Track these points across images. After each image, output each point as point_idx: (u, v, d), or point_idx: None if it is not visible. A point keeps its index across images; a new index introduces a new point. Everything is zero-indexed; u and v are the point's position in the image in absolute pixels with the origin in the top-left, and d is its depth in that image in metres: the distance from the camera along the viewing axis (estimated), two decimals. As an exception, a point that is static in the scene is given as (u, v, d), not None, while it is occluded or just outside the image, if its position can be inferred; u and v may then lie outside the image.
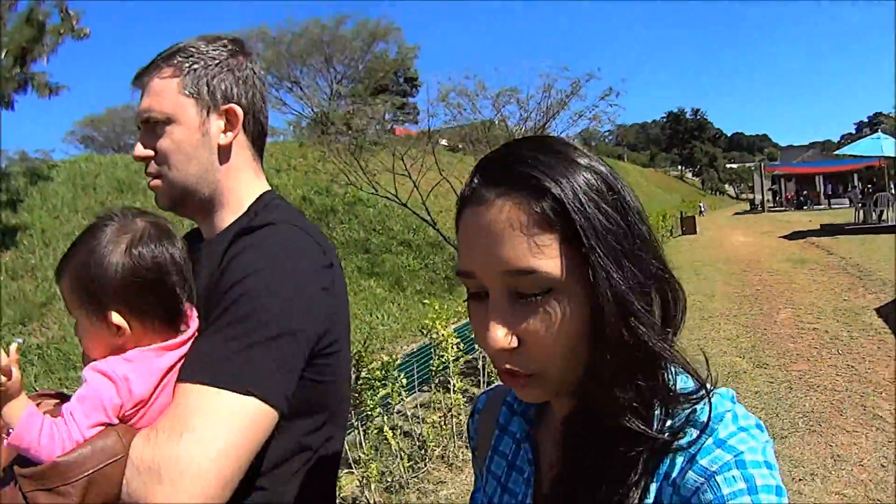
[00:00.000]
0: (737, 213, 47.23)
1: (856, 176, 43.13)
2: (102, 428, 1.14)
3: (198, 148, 1.48)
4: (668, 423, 0.83)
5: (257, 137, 1.59)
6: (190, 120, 1.47)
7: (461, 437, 5.78)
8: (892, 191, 29.63)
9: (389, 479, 4.92)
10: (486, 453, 1.10)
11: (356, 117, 15.34)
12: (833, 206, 42.77)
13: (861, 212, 25.07)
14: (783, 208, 48.82)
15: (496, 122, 15.10)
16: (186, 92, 1.46)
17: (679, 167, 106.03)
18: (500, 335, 0.80)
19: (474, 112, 14.58)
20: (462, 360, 6.47)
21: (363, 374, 4.65)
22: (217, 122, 1.49)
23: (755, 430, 0.81)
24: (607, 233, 0.79)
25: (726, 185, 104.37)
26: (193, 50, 1.49)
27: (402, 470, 5.02)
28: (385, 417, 4.99)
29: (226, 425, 1.13)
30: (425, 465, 5.30)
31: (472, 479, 3.33)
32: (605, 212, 0.80)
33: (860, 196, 26.69)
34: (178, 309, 1.29)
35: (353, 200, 16.19)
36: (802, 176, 53.36)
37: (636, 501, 0.81)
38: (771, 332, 9.23)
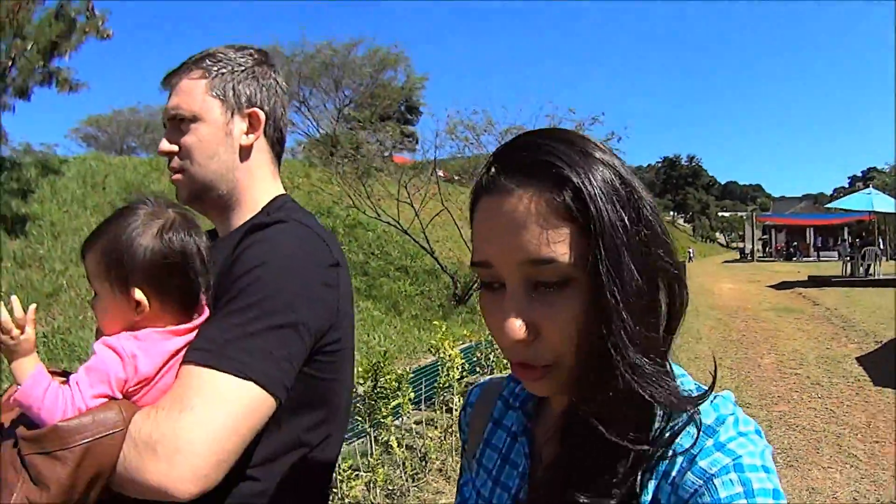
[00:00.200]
0: (726, 262, 47.75)
1: (846, 229, 43.74)
2: (105, 400, 1.20)
3: (220, 146, 1.57)
4: (669, 423, 0.84)
5: (276, 143, 1.69)
6: (215, 119, 1.56)
7: (457, 453, 6.14)
8: (880, 246, 30.27)
9: (391, 487, 5.26)
10: (476, 446, 1.11)
11: (365, 143, 15.78)
12: (822, 259, 43.42)
13: (849, 265, 25.46)
14: (772, 258, 49.23)
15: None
16: (213, 93, 1.56)
17: (671, 213, 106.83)
18: (518, 326, 0.82)
19: (478, 147, 15.07)
20: (465, 380, 6.85)
21: (380, 384, 5.04)
22: (240, 124, 1.59)
23: (754, 435, 0.83)
24: (618, 228, 0.80)
25: (717, 233, 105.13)
26: (222, 56, 1.59)
27: (403, 479, 5.39)
28: (392, 428, 5.37)
29: (224, 407, 1.18)
30: (425, 476, 5.66)
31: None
32: (619, 205, 0.81)
33: (849, 249, 27.13)
34: (195, 296, 1.36)
35: (353, 223, 16.55)
36: (793, 227, 54.09)
37: (632, 498, 0.83)
38: (754, 374, 9.62)
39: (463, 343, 7.02)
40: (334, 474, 4.42)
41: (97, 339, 1.30)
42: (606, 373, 0.81)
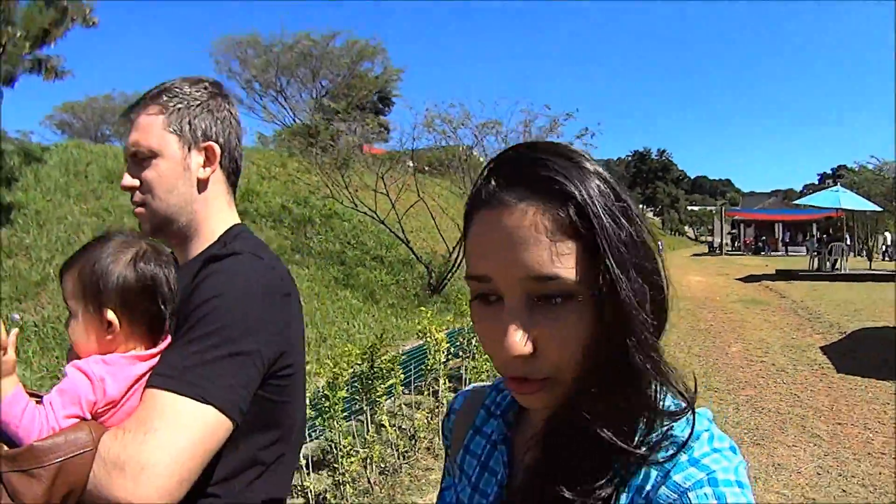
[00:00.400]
0: (695, 255, 48.45)
1: (815, 225, 44.45)
2: (76, 420, 1.29)
3: (179, 180, 1.64)
4: (648, 436, 0.85)
5: (231, 173, 1.75)
6: (173, 154, 1.63)
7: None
8: (847, 241, 31.06)
9: (383, 465, 5.61)
10: (457, 452, 1.13)
11: (345, 135, 16.04)
12: (790, 253, 44.17)
13: (816, 259, 26.23)
14: (741, 252, 49.87)
15: (474, 151, 15.92)
16: (170, 129, 1.63)
17: (641, 206, 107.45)
18: (518, 340, 0.82)
19: (454, 139, 15.43)
20: (450, 363, 7.23)
21: (376, 365, 5.40)
22: (197, 158, 1.66)
23: (728, 451, 0.84)
24: (619, 241, 0.82)
25: (686, 227, 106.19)
26: (177, 90, 1.66)
27: (395, 457, 5.75)
28: (385, 408, 5.73)
29: (185, 430, 1.28)
30: (414, 454, 6.04)
31: None
32: (617, 219, 0.83)
33: (816, 245, 27.82)
34: (162, 322, 1.46)
35: (329, 213, 16.78)
36: (762, 222, 54.68)
37: None
38: (721, 361, 10.12)
39: (446, 328, 7.36)
40: (336, 449, 4.81)
41: (69, 359, 1.40)
42: (617, 384, 0.84)
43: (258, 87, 28.17)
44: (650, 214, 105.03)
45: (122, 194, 1.52)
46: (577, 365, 0.84)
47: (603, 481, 0.83)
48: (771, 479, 5.61)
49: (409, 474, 5.72)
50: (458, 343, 7.58)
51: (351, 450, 4.98)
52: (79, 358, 1.38)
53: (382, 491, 5.33)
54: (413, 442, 6.17)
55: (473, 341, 7.60)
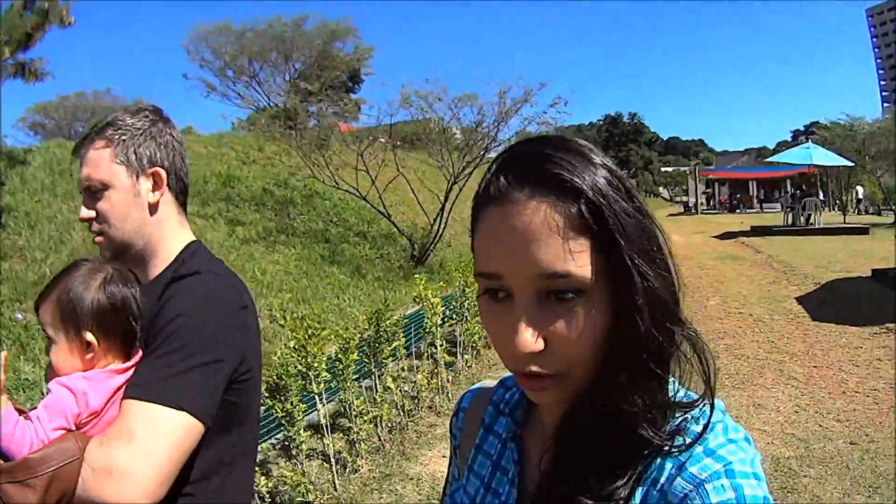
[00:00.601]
0: (671, 215, 48.89)
1: (788, 182, 44.92)
2: (63, 432, 1.41)
3: (131, 208, 1.75)
4: (664, 429, 0.84)
5: (180, 193, 1.88)
6: (123, 184, 1.74)
7: (443, 392, 7.02)
8: (821, 196, 31.75)
9: (391, 424, 6.05)
10: (468, 452, 1.12)
11: (324, 115, 16.32)
12: (765, 210, 44.54)
13: (790, 215, 26.73)
14: (716, 211, 50.23)
15: (450, 125, 16.31)
16: (118, 160, 1.74)
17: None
18: (530, 337, 0.82)
19: (430, 113, 15.80)
20: (446, 325, 7.68)
21: (382, 328, 5.82)
22: (146, 184, 1.77)
23: (743, 442, 0.84)
24: (632, 233, 0.82)
25: (661, 188, 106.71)
26: (121, 122, 1.77)
27: (401, 416, 6.19)
28: (389, 370, 6.17)
29: (163, 435, 1.41)
30: (418, 412, 6.50)
31: None
32: (628, 211, 0.83)
33: (790, 201, 28.32)
34: (134, 337, 1.59)
35: (310, 193, 17.05)
36: (736, 180, 54.80)
37: None
38: (700, 314, 10.57)
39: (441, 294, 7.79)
40: (350, 410, 5.23)
41: (47, 379, 1.53)
42: (635, 378, 0.84)
43: (231, 75, 28.22)
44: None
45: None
46: (588, 361, 0.85)
47: (622, 482, 0.83)
48: (752, 417, 6.10)
49: (415, 431, 6.17)
50: (452, 307, 8.06)
51: (363, 410, 5.40)
52: (58, 377, 1.50)
53: (393, 447, 5.77)
54: (416, 402, 6.63)
55: (465, 304, 8.10)
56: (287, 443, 5.45)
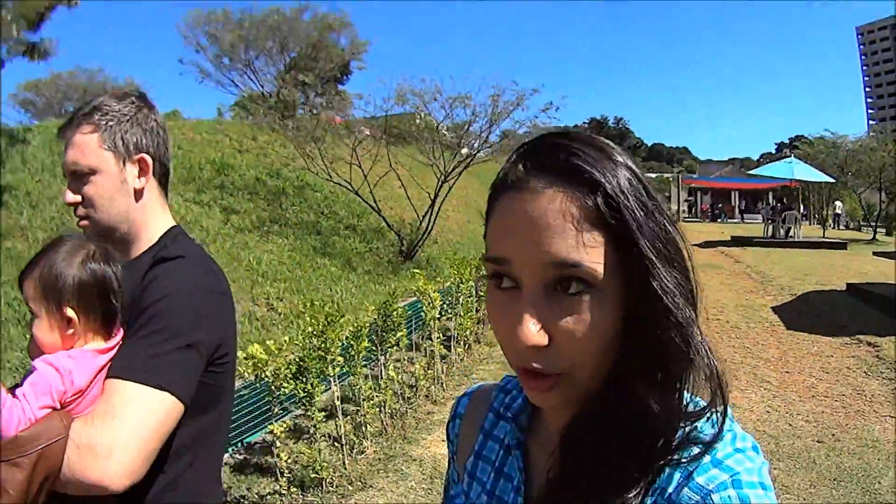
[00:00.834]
0: (653, 222, 49.45)
1: (770, 194, 45.69)
2: (49, 410, 1.43)
3: (118, 193, 1.79)
4: (673, 437, 0.83)
5: (163, 178, 1.92)
6: (110, 170, 1.78)
7: (439, 383, 7.51)
8: (801, 210, 32.48)
9: (391, 411, 6.48)
10: (467, 457, 1.12)
11: (323, 108, 16.70)
12: (746, 221, 45.54)
13: (770, 227, 27.49)
14: (698, 219, 51.12)
15: (440, 123, 16.83)
16: (105, 146, 1.77)
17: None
18: (534, 329, 0.80)
19: (423, 110, 16.32)
20: (444, 318, 8.17)
21: (391, 317, 6.29)
22: (132, 170, 1.81)
23: (751, 451, 0.83)
24: (652, 235, 0.81)
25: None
26: (107, 107, 1.80)
27: (400, 403, 6.67)
28: (392, 358, 6.64)
29: (146, 414, 1.46)
30: (416, 400, 6.97)
31: None
32: (650, 214, 0.82)
33: (771, 213, 28.97)
34: (114, 315, 1.62)
35: (301, 184, 17.39)
36: (719, 190, 55.63)
37: None
38: (679, 319, 11.11)
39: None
40: (358, 394, 5.67)
41: (31, 355, 1.57)
42: (647, 383, 0.82)
43: (227, 62, 28.47)
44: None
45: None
46: (594, 362, 0.83)
47: (632, 492, 0.82)
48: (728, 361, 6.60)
49: (413, 417, 6.64)
50: (448, 301, 8.54)
51: (370, 394, 5.86)
52: (41, 353, 1.54)
53: (394, 431, 6.23)
54: (414, 390, 7.10)
55: (461, 299, 8.64)
56: (298, 423, 5.91)
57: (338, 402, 5.42)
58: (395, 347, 6.58)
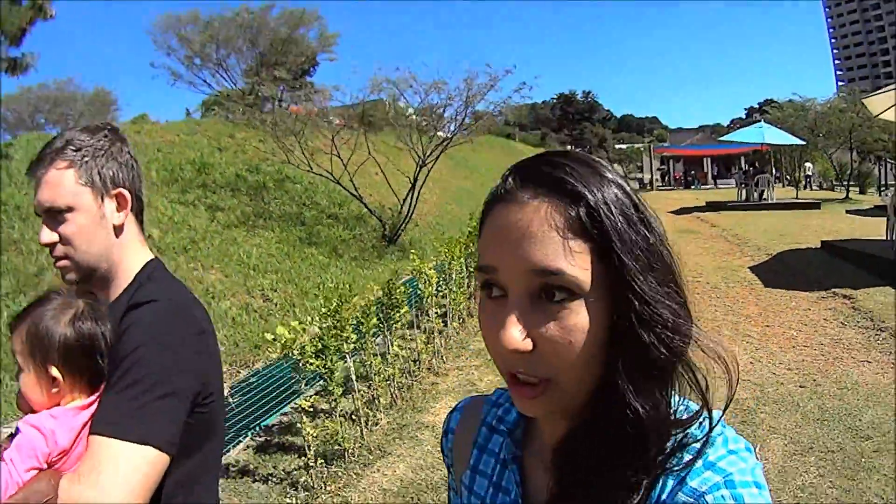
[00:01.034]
0: (627, 193, 49.86)
1: (742, 159, 46.05)
2: (36, 472, 1.44)
3: (97, 230, 1.74)
4: (664, 445, 0.85)
5: (139, 212, 1.87)
6: (89, 207, 1.72)
7: (439, 356, 7.97)
8: (774, 173, 33.07)
9: (398, 384, 6.90)
10: (462, 471, 1.15)
11: (303, 102, 17.03)
12: (719, 187, 45.91)
13: (744, 191, 27.92)
14: (671, 187, 51.50)
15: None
16: (82, 182, 1.71)
17: (570, 147, 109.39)
18: (517, 334, 0.83)
19: (402, 100, 16.77)
20: (439, 294, 8.62)
21: (394, 295, 6.70)
22: (110, 205, 1.76)
23: (744, 452, 0.85)
24: (635, 246, 0.84)
25: (616, 165, 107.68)
26: (80, 142, 1.74)
27: (405, 376, 7.10)
28: (396, 334, 7.07)
29: (130, 471, 1.45)
30: (420, 373, 7.42)
31: (458, 384, 5.98)
32: (634, 226, 0.85)
33: (743, 177, 29.39)
34: (100, 375, 1.59)
35: (281, 178, 17.71)
36: (691, 158, 55.93)
37: None
38: (660, 284, 11.62)
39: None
40: (370, 369, 6.07)
41: (18, 405, 1.58)
42: (634, 392, 0.84)
43: (198, 63, 28.55)
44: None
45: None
46: (578, 370, 0.85)
47: (619, 498, 0.84)
48: (711, 368, 7.07)
49: (419, 389, 7.09)
50: (442, 278, 8.96)
51: (380, 369, 6.28)
52: (29, 405, 1.55)
53: (403, 403, 6.68)
54: (417, 364, 7.56)
55: (454, 276, 9.10)
56: (313, 404, 6.30)
57: (354, 378, 5.81)
58: (398, 324, 7.00)
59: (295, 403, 6.19)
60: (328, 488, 5.11)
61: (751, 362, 7.24)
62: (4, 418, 6.39)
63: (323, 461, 5.36)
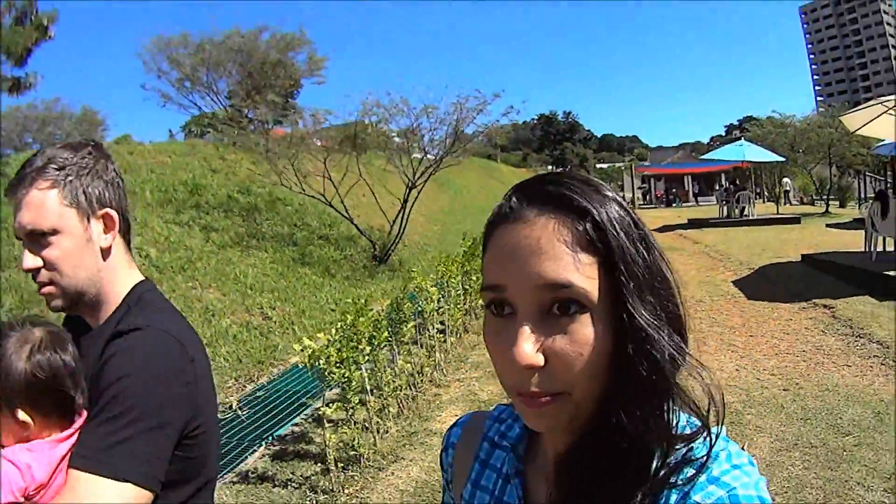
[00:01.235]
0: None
1: (723, 176, 46.72)
2: None
3: (85, 254, 1.66)
4: (667, 461, 0.86)
5: (126, 232, 1.78)
6: (74, 229, 1.64)
7: (438, 368, 8.36)
8: (755, 190, 33.70)
9: (405, 394, 7.25)
10: (462, 487, 1.15)
11: (295, 126, 17.45)
12: (700, 204, 46.73)
13: (725, 208, 28.59)
14: (653, 206, 52.08)
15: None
16: (67, 202, 1.62)
17: (551, 167, 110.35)
18: (529, 349, 0.83)
19: (394, 123, 17.22)
20: (440, 309, 9.03)
21: (403, 310, 7.12)
22: (97, 227, 1.68)
23: (748, 466, 0.86)
24: (633, 261, 0.85)
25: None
26: (64, 160, 1.65)
27: (408, 388, 7.49)
28: (401, 348, 7.47)
29: None
30: (423, 385, 7.82)
31: (461, 394, 6.46)
32: (633, 242, 0.86)
33: (724, 194, 29.99)
34: (72, 405, 1.55)
35: (272, 199, 18.08)
36: (671, 176, 56.70)
37: None
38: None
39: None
40: (380, 378, 6.46)
41: None
42: (636, 409, 0.85)
43: (188, 85, 28.83)
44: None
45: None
46: (590, 382, 0.86)
47: None
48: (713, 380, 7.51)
49: (424, 399, 7.48)
50: (442, 295, 9.35)
51: (390, 380, 6.69)
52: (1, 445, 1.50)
53: (410, 413, 7.07)
54: (420, 376, 7.94)
55: (452, 293, 9.50)
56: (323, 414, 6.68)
57: (368, 387, 6.19)
58: (405, 338, 7.42)
59: (318, 412, 6.45)
60: (346, 491, 5.44)
61: (737, 369, 7.68)
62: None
63: (340, 465, 5.69)
